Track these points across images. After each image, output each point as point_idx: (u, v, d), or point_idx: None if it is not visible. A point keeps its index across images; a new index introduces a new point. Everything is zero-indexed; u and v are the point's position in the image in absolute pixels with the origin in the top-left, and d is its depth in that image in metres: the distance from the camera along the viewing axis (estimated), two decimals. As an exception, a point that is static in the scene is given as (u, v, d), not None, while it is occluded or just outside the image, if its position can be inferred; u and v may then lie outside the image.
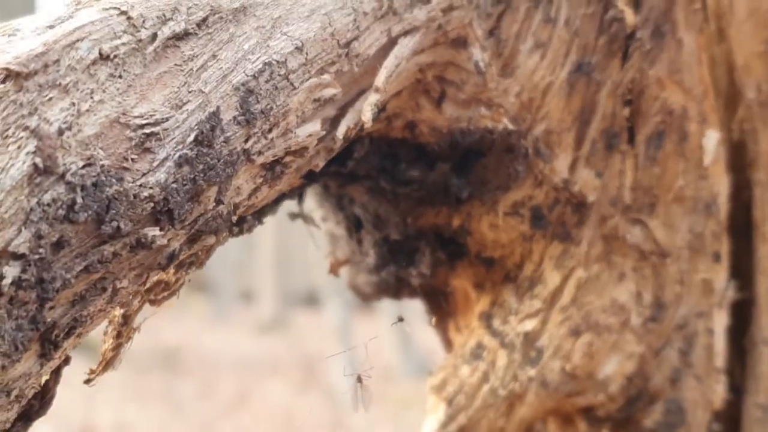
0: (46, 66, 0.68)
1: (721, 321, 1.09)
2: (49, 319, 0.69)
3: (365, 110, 0.86)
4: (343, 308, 8.90)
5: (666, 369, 1.09)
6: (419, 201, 1.06)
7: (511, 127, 0.99)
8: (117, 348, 0.84)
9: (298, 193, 1.02)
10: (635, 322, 1.07)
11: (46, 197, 0.66)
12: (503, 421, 1.11)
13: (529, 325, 1.09)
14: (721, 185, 1.07)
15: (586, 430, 1.18)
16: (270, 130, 0.80)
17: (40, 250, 0.65)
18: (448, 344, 1.22)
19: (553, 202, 1.05)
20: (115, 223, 0.69)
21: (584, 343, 1.07)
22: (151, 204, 0.71)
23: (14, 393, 0.70)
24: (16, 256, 0.64)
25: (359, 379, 0.98)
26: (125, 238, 0.71)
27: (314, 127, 0.83)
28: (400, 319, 1.04)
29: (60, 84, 0.68)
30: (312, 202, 1.16)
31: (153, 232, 0.72)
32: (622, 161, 1.04)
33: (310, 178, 0.92)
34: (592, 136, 1.03)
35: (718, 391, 1.10)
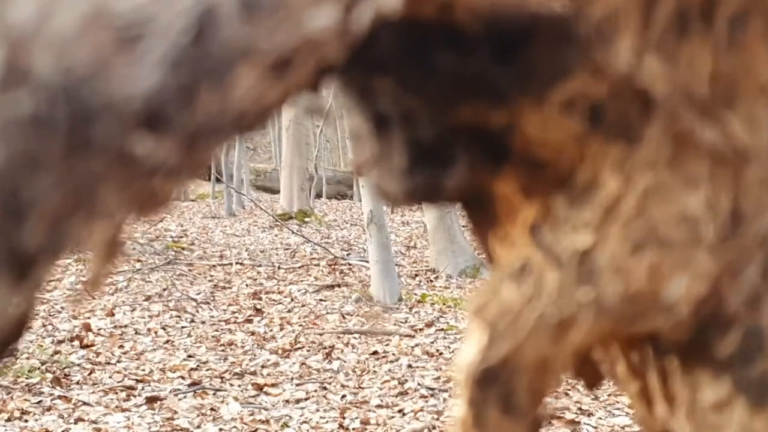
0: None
1: (811, 233, 1.11)
2: (25, 240, 0.72)
3: (390, -6, 0.86)
4: (375, 197, 9.04)
5: (744, 290, 1.11)
6: (455, 95, 1.07)
7: (566, 7, 0.99)
8: (103, 266, 0.88)
9: (313, 87, 1.03)
10: (709, 235, 1.09)
11: (17, 108, 0.68)
12: (553, 348, 1.14)
13: (584, 238, 1.10)
14: (817, 74, 1.07)
15: (654, 358, 1.22)
16: (277, 22, 0.81)
17: (13, 167, 0.68)
18: (490, 258, 1.25)
19: (614, 97, 1.06)
20: (98, 133, 0.72)
21: (648, 260, 1.09)
22: (140, 110, 0.74)
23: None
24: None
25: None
26: (110, 150, 0.73)
27: (329, 16, 0.84)
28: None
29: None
30: (333, 94, 1.18)
31: (142, 141, 0.75)
32: (698, 47, 1.04)
33: (329, 71, 0.94)
34: (663, 17, 1.03)
35: (805, 316, 1.13)
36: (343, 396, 7.42)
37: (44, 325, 9.38)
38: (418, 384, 7.63)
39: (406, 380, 7.77)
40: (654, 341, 1.19)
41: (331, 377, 7.95)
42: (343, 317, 9.52)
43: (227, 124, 0.82)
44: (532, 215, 1.15)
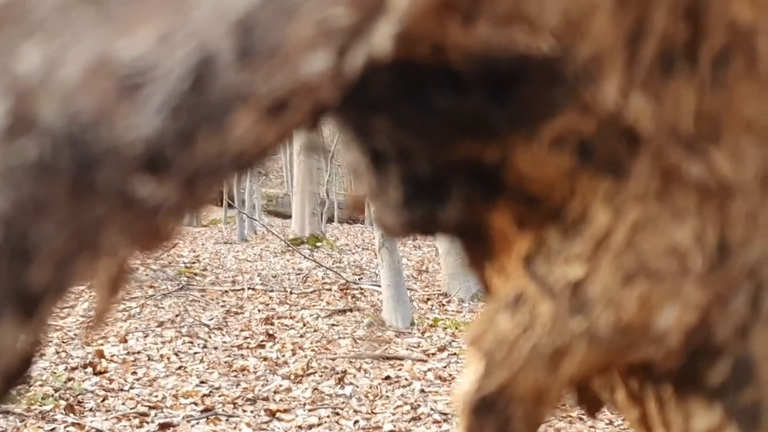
0: (13, 5, 0.73)
1: (797, 265, 1.14)
2: (31, 281, 0.75)
3: (382, 40, 0.90)
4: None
5: (733, 320, 1.14)
6: (450, 132, 1.10)
7: (552, 49, 1.02)
8: (110, 300, 0.92)
9: (310, 126, 1.07)
10: (697, 267, 1.12)
11: (23, 154, 0.72)
12: (548, 378, 1.17)
13: (576, 270, 1.14)
14: (800, 111, 1.10)
15: (650, 386, 1.25)
16: (272, 67, 0.85)
17: (19, 213, 0.72)
18: (486, 289, 1.28)
19: (603, 133, 1.09)
20: (102, 178, 0.75)
21: (639, 291, 1.12)
22: (142, 154, 0.77)
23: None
24: None
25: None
26: (114, 193, 0.77)
27: (322, 60, 0.88)
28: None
29: (33, 23, 0.74)
30: (329, 131, 1.22)
31: (144, 184, 0.78)
32: (683, 85, 1.08)
33: (324, 113, 0.97)
34: (647, 57, 1.07)
35: (794, 345, 1.16)
36: (356, 421, 7.43)
37: (57, 352, 9.44)
38: (431, 409, 7.63)
39: (419, 405, 7.77)
40: (648, 370, 1.22)
41: (343, 402, 7.96)
42: (356, 342, 9.54)
43: (226, 164, 0.85)
44: (525, 247, 1.18)
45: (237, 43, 0.82)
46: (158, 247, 0.89)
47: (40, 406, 7.80)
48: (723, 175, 1.10)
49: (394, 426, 7.42)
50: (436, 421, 7.56)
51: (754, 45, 1.07)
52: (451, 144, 1.12)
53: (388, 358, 9.03)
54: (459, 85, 1.08)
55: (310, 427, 7.55)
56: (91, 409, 8.03)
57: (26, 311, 0.76)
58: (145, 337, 10.03)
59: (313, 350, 9.71)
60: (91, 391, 8.36)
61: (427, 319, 10.22)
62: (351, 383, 8.60)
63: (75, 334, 9.82)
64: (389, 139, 1.15)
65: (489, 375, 1.19)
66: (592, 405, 1.44)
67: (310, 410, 8.00)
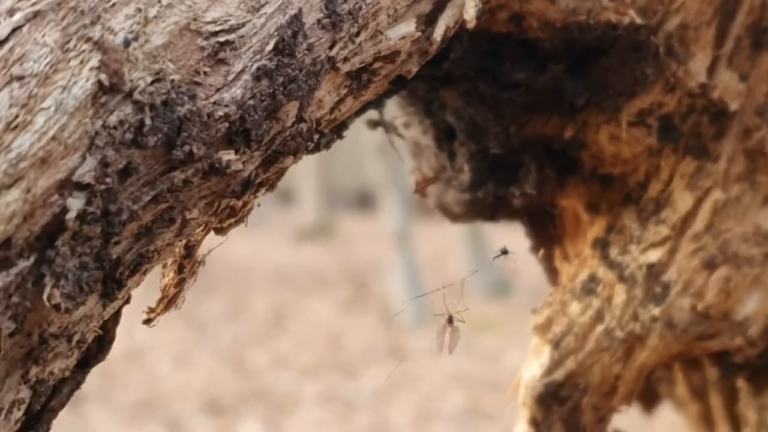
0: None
1: None
2: (114, 256, 0.75)
3: (468, 6, 0.89)
4: (401, 211, 8.94)
5: (818, 308, 1.13)
6: (525, 108, 1.10)
7: (639, 20, 1.01)
8: (180, 284, 0.91)
9: (382, 99, 1.06)
10: (782, 253, 1.11)
11: (112, 119, 0.71)
12: (620, 367, 1.16)
13: (654, 255, 1.13)
14: None
15: (719, 378, 1.24)
16: (358, 33, 0.84)
17: (107, 179, 0.71)
18: (553, 275, 1.27)
19: (687, 111, 1.08)
20: (187, 147, 0.75)
21: (720, 278, 1.12)
22: (226, 124, 0.77)
23: (75, 338, 0.77)
24: (81, 187, 0.70)
25: (450, 320, 1.03)
26: (197, 164, 0.76)
27: (408, 27, 0.88)
28: (504, 252, 1.08)
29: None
30: (393, 105, 1.20)
31: (228, 155, 0.78)
32: (772, 63, 1.07)
33: (399, 84, 0.97)
34: (737, 32, 1.06)
35: None
36: (368, 420, 7.42)
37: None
38: (447, 407, 7.62)
39: (434, 403, 7.76)
40: (721, 361, 1.22)
41: (354, 399, 7.96)
42: (368, 336, 9.52)
43: (307, 135, 0.85)
44: (599, 230, 1.18)
45: (325, 3, 0.81)
46: (234, 225, 0.89)
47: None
48: (814, 156, 1.09)
49: (407, 424, 7.41)
50: (451, 420, 7.55)
51: None
52: (526, 120, 1.12)
53: (402, 354, 9.01)
54: (537, 59, 1.07)
55: (320, 423, 7.55)
56: (93, 401, 8.02)
57: (110, 285, 0.75)
58: (151, 328, 9.99)
59: (323, 344, 9.70)
60: (93, 383, 8.35)
61: (443, 313, 10.15)
62: (363, 379, 8.59)
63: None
64: (459, 114, 1.14)
65: (557, 363, 1.18)
66: (648, 400, 1.43)
67: (319, 406, 7.99)
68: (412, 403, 8.00)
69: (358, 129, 1.13)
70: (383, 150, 7.29)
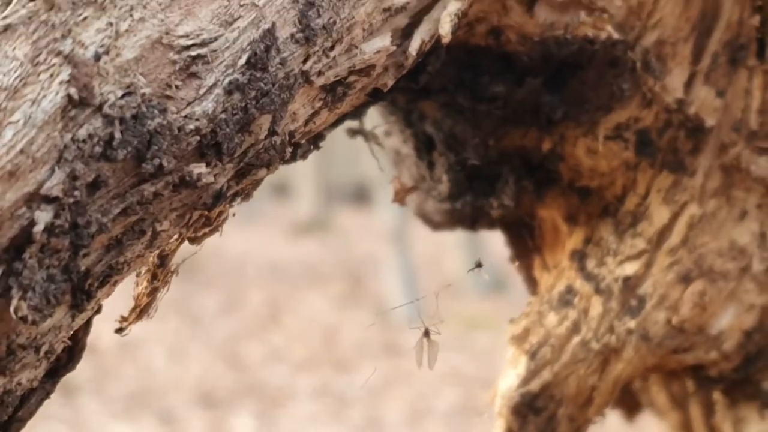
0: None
1: None
2: (82, 268, 0.75)
3: (443, 21, 0.90)
4: (397, 207, 8.92)
5: (792, 324, 1.14)
6: (503, 120, 1.10)
7: (616, 36, 1.02)
8: (152, 293, 0.91)
9: (360, 110, 1.07)
10: (757, 268, 1.12)
11: (81, 132, 0.72)
12: (595, 379, 1.17)
13: (630, 268, 1.13)
14: None
15: (694, 391, 1.24)
16: (332, 48, 0.85)
17: (75, 193, 0.71)
18: (532, 284, 1.28)
19: (663, 126, 1.09)
20: (156, 160, 0.75)
21: (695, 292, 1.12)
22: (197, 137, 0.77)
23: (43, 349, 0.78)
24: (49, 200, 0.70)
25: (427, 334, 1.04)
26: (168, 177, 0.77)
27: (383, 41, 0.88)
28: (479, 265, 1.09)
29: (95, 0, 0.73)
30: (374, 114, 1.21)
31: (198, 168, 0.78)
32: (749, 79, 1.07)
33: (376, 96, 0.97)
34: (714, 49, 1.06)
35: None
36: (361, 415, 7.42)
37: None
38: (440, 404, 7.62)
39: (428, 400, 7.76)
40: (697, 373, 1.22)
41: (348, 395, 7.96)
42: (363, 333, 9.52)
43: (281, 148, 0.85)
44: (576, 242, 1.18)
45: (299, 18, 0.81)
46: (208, 235, 0.89)
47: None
48: (788, 173, 1.10)
49: (401, 422, 7.41)
50: (445, 418, 7.55)
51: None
52: (504, 132, 1.12)
53: (397, 351, 9.02)
54: (515, 72, 1.07)
55: (314, 418, 7.55)
56: (86, 393, 8.02)
57: (79, 297, 0.76)
58: (145, 321, 10.00)
59: (318, 340, 9.70)
60: (87, 375, 8.36)
61: (438, 311, 10.14)
62: (357, 375, 8.59)
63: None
64: (438, 125, 1.15)
65: (534, 373, 1.18)
66: (630, 407, 1.44)
67: (314, 402, 8.00)
68: (406, 400, 8.01)
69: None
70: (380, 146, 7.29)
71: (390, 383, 8.44)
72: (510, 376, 1.21)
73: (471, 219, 1.22)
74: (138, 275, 0.91)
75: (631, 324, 1.14)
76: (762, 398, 1.18)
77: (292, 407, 7.86)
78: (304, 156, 0.99)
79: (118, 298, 0.92)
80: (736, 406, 1.21)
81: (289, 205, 12.90)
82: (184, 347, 9.50)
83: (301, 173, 12.52)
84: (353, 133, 1.17)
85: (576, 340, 1.16)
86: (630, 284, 1.14)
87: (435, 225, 1.28)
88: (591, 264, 1.16)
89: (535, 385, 1.18)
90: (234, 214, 0.92)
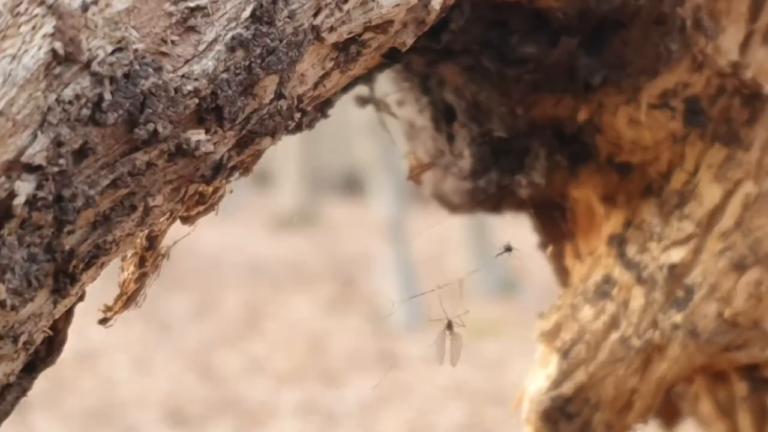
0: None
1: None
2: (67, 247, 0.76)
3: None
4: (394, 198, 8.92)
5: None
6: (534, 86, 1.10)
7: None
8: (141, 279, 0.92)
9: (373, 74, 1.07)
10: (820, 253, 1.12)
11: (67, 92, 0.72)
12: (636, 380, 1.17)
13: (677, 254, 1.14)
14: None
15: (747, 394, 1.25)
16: (346, 0, 0.85)
17: (60, 161, 0.72)
18: (563, 275, 1.28)
19: (716, 93, 1.09)
20: (150, 125, 0.75)
21: (750, 281, 1.12)
22: (196, 100, 0.77)
23: (22, 339, 0.78)
24: (31, 168, 0.71)
25: (450, 326, 1.04)
26: (163, 144, 0.77)
27: (404, -7, 0.88)
28: (508, 249, 1.09)
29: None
30: (385, 80, 1.21)
31: (197, 135, 0.78)
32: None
33: (392, 57, 0.97)
34: (774, 5, 1.07)
35: None
36: (352, 432, 7.42)
37: (1, 342, 9.35)
38: (443, 421, 7.62)
39: (428, 416, 7.76)
40: (750, 375, 1.22)
41: (338, 412, 7.95)
42: (355, 341, 9.50)
43: (287, 114, 0.85)
44: (615, 225, 1.18)
45: None
46: (202, 214, 0.90)
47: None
48: None
49: (398, 439, 7.39)
50: (447, 435, 7.54)
51: None
52: (535, 100, 1.12)
53: (393, 360, 9.01)
54: (548, 31, 1.07)
55: (299, 437, 7.53)
56: (39, 409, 8.00)
57: (62, 280, 0.76)
58: (106, 327, 9.97)
59: (304, 348, 9.68)
60: (41, 388, 8.33)
61: (439, 315, 10.12)
62: (348, 388, 8.58)
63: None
64: (460, 92, 1.15)
65: (566, 375, 1.19)
66: (669, 415, 1.44)
67: (299, 418, 7.99)
68: (404, 417, 8.00)
69: (346, 104, 1.13)
70: (375, 128, 7.27)
71: (386, 398, 8.44)
72: (539, 377, 1.21)
73: (495, 200, 1.22)
74: (123, 259, 0.91)
75: (678, 318, 1.14)
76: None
77: (274, 425, 7.85)
78: (310, 125, 0.99)
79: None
80: (793, 412, 1.21)
81: (271, 196, 12.88)
82: (150, 357, 9.48)
83: (284, 159, 12.50)
84: (363, 101, 1.17)
85: (614, 336, 1.16)
86: (676, 273, 1.14)
87: (453, 207, 1.28)
88: (632, 250, 1.16)
89: (567, 388, 1.18)
90: (231, 191, 0.93)
